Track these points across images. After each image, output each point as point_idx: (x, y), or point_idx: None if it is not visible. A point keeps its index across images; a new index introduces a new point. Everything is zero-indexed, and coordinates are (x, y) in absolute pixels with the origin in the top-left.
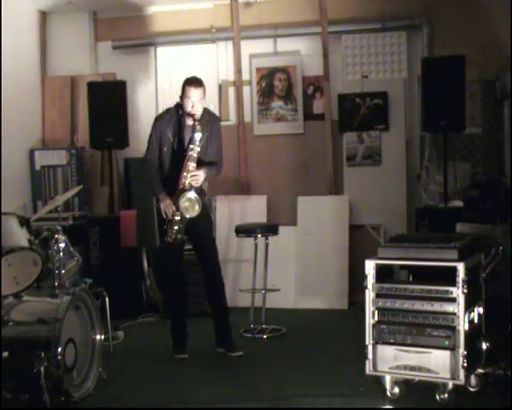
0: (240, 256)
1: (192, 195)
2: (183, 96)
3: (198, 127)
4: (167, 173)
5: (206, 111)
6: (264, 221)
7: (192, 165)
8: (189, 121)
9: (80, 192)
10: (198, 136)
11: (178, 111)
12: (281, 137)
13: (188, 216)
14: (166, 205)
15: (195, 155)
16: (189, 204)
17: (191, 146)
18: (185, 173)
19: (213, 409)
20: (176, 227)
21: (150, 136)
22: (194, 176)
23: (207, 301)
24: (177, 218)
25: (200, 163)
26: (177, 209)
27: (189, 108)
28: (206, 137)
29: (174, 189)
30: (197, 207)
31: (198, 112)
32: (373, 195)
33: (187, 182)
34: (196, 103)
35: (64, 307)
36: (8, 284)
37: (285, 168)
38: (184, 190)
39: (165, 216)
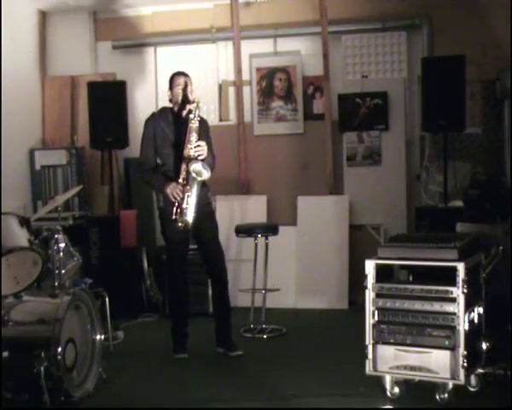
0: (240, 256)
1: (198, 166)
2: (172, 87)
3: (195, 104)
4: (169, 168)
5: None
6: (264, 221)
7: (194, 136)
8: (183, 112)
9: (80, 192)
10: (196, 110)
11: (167, 108)
12: (281, 137)
13: (199, 179)
14: (173, 186)
15: (197, 125)
16: (198, 172)
17: (191, 116)
18: (189, 145)
19: (213, 409)
20: (186, 205)
21: (142, 137)
22: (198, 146)
23: (212, 301)
24: (188, 193)
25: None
26: (186, 182)
27: (180, 95)
28: (198, 134)
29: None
30: (205, 172)
31: (191, 96)
32: (373, 195)
33: (191, 153)
34: (187, 88)
35: (64, 307)
36: (9, 284)
37: (285, 168)
38: (190, 159)
39: (173, 199)
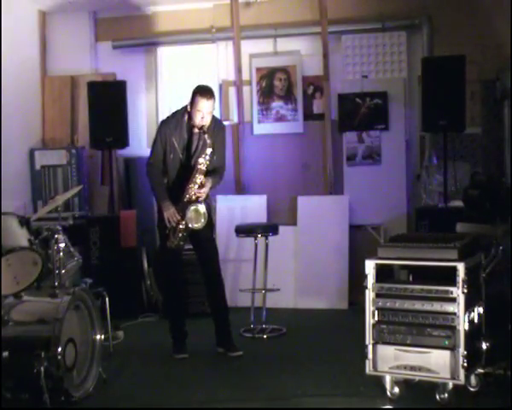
0: (240, 256)
1: (202, 208)
2: (192, 106)
3: (208, 142)
4: (172, 179)
5: (212, 118)
6: (264, 221)
7: (200, 178)
8: (196, 128)
9: (80, 192)
10: (209, 150)
11: (184, 116)
12: (281, 136)
13: (190, 226)
14: (170, 214)
15: (204, 168)
16: (195, 215)
17: (201, 160)
18: (192, 185)
19: (213, 409)
20: (179, 235)
21: (155, 140)
22: (200, 188)
23: (207, 301)
24: (182, 226)
25: (206, 172)
26: (182, 218)
27: (198, 121)
28: (212, 146)
29: (178, 195)
30: (202, 220)
31: (207, 123)
32: (373, 195)
33: (192, 193)
34: (206, 115)
35: (64, 306)
36: (9, 284)
37: (285, 168)
38: (191, 202)
39: (168, 224)
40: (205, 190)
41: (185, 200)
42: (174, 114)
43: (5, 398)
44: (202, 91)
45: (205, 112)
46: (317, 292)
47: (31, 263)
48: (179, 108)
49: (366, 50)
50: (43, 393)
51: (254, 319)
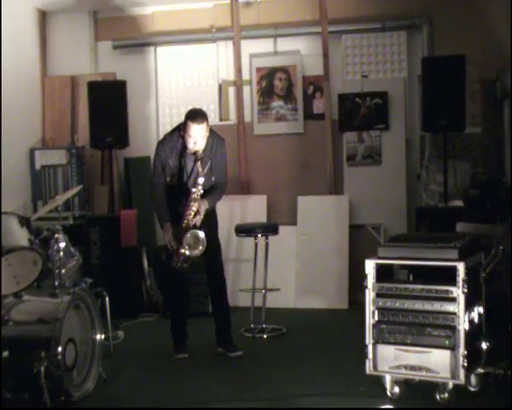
0: (240, 256)
1: (201, 235)
2: (184, 131)
3: (200, 170)
4: (171, 200)
5: (210, 135)
6: (264, 221)
7: (196, 205)
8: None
9: (80, 192)
10: (201, 180)
11: (180, 139)
12: (281, 136)
13: (187, 253)
14: (169, 239)
15: (198, 196)
16: (193, 242)
17: (194, 190)
18: (189, 211)
19: (213, 409)
20: (181, 257)
21: (154, 161)
22: (196, 215)
23: (209, 300)
24: (182, 250)
25: (204, 191)
26: (181, 244)
27: (191, 146)
28: (210, 165)
29: (175, 215)
30: (200, 248)
31: (200, 148)
32: (373, 195)
33: (190, 218)
34: (199, 140)
35: (64, 306)
36: (9, 284)
37: (285, 168)
38: (189, 228)
39: (169, 247)
40: (200, 217)
41: (183, 225)
42: (170, 136)
43: (5, 398)
44: (193, 117)
45: (197, 137)
46: (317, 292)
47: (31, 263)
48: (175, 126)
49: (366, 50)
50: (43, 393)
51: (254, 319)
